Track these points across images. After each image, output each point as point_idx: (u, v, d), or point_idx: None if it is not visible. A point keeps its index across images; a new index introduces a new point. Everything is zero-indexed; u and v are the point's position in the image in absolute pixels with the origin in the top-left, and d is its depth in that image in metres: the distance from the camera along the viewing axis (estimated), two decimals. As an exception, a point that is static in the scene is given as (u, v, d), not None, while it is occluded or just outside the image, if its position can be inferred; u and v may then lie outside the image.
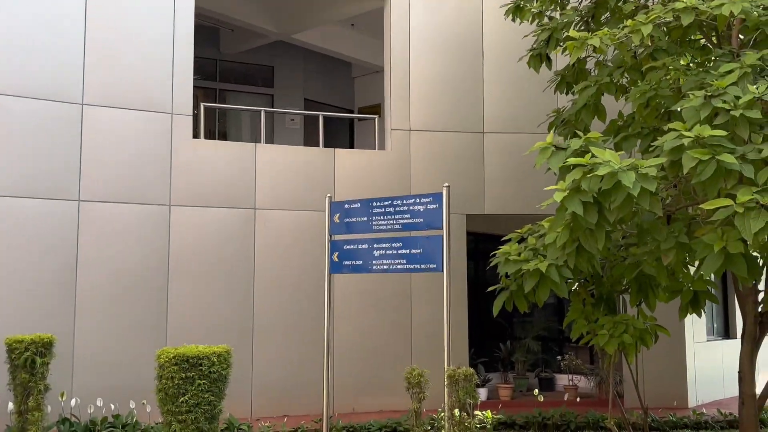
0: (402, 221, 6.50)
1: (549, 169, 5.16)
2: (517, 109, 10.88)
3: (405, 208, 6.47)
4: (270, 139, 13.39)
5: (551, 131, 5.36)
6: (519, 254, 6.14)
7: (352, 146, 14.40)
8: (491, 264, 6.46)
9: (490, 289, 6.52)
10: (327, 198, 6.96)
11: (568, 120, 7.63)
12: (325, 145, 10.55)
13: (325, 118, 10.99)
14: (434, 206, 6.28)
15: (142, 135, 9.22)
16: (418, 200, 6.39)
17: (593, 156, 4.68)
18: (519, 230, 6.74)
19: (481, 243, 12.65)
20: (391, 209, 6.56)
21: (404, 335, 10.19)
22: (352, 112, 14.52)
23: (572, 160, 4.72)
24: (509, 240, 6.60)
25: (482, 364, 11.95)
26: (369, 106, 14.34)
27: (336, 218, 6.94)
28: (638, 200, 4.48)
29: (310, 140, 13.13)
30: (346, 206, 6.92)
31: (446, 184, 6.21)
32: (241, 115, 14.19)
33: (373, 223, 6.68)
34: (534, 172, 9.94)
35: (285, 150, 10.18)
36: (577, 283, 6.73)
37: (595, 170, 4.54)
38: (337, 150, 10.25)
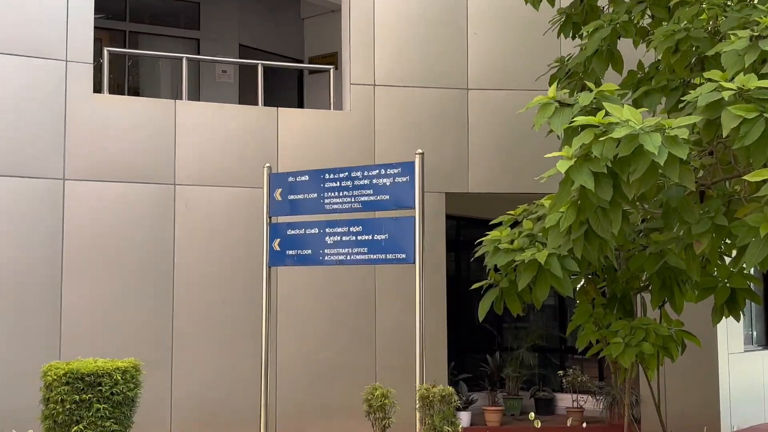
0: (363, 199, 6.51)
1: (551, 131, 5.15)
2: (510, 60, 10.93)
3: (367, 181, 6.46)
4: (195, 96, 13.29)
5: (553, 85, 5.25)
6: (511, 242, 6.15)
7: (301, 105, 14.28)
8: (476, 254, 6.48)
9: (475, 286, 6.53)
10: (265, 168, 6.93)
11: (575, 71, 7.68)
12: (267, 104, 10.54)
13: (266, 68, 10.97)
14: (404, 179, 6.26)
15: (26, 89, 9.10)
16: (383, 172, 6.41)
17: (607, 114, 4.63)
18: (512, 212, 6.75)
19: (465, 229, 12.69)
20: (349, 183, 6.55)
21: (366, 345, 10.26)
22: (301, 62, 14.42)
23: (581, 120, 4.67)
24: (499, 224, 6.60)
25: (464, 382, 12.03)
26: (323, 55, 14.17)
27: (277, 195, 6.92)
28: (664, 171, 4.45)
29: (247, 98, 12.95)
30: (291, 179, 6.90)
31: (419, 151, 6.19)
32: (159, 65, 14.03)
33: (326, 201, 6.69)
34: (532, 138, 9.78)
35: (214, 109, 10.15)
36: (584, 279, 6.75)
37: (610, 132, 4.50)
38: (282, 109, 10.25)
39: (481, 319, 6.31)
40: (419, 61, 10.75)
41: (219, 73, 13.91)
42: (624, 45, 7.57)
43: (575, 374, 12.02)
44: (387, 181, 6.37)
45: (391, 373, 9.80)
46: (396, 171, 6.32)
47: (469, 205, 11.57)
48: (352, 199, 6.58)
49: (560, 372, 12.50)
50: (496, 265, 6.18)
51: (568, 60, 8.01)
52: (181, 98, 10.20)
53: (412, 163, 6.25)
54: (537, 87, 9.88)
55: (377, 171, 6.46)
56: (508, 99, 10.74)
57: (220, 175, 9.83)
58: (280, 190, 6.96)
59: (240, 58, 13.75)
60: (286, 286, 9.94)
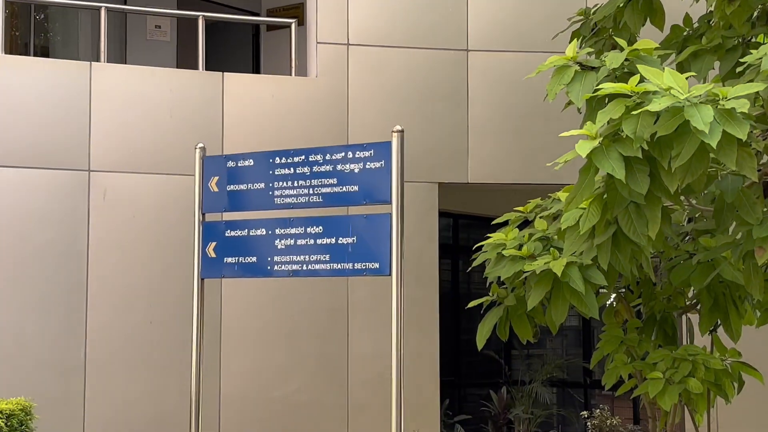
0: (324, 190, 6.42)
1: (569, 103, 5.13)
2: (521, 13, 10.96)
3: (329, 167, 6.37)
4: (120, 58, 13.29)
5: (573, 42, 5.22)
6: (520, 246, 6.11)
7: (257, 72, 14.30)
8: (475, 262, 6.46)
9: (472, 304, 6.50)
10: (197, 149, 6.82)
11: (603, 27, 7.61)
12: (212, 68, 10.54)
13: (212, 24, 11.11)
14: (378, 164, 6.17)
15: None
16: (351, 155, 6.31)
17: (643, 80, 4.53)
18: (520, 208, 6.72)
19: (464, 229, 12.88)
20: (306, 169, 6.45)
21: (336, 378, 10.26)
22: (256, 15, 14.51)
23: (608, 87, 4.57)
24: (505, 224, 6.57)
25: (462, 425, 12.15)
26: (284, 7, 14.29)
27: (212, 184, 6.81)
28: (717, 155, 4.36)
29: (187, 62, 12.93)
30: (230, 164, 6.78)
31: (398, 128, 6.06)
32: (77, 21, 13.87)
33: (276, 192, 6.60)
34: (549, 114, 9.93)
35: (141, 73, 10.14)
36: (614, 295, 6.73)
37: (647, 104, 4.39)
38: (228, 75, 10.26)
39: (480, 346, 6.27)
40: (406, 14, 10.76)
41: (152, 30, 13.89)
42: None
43: (603, 416, 11.95)
44: (356, 167, 6.28)
45: (368, 415, 9.81)
46: (368, 154, 6.21)
47: (469, 199, 11.70)
48: (311, 191, 6.48)
49: (584, 413, 12.46)
50: (500, 277, 6.16)
51: (594, 12, 7.91)
52: (98, 59, 10.14)
53: (388, 144, 6.11)
54: (554, 48, 9.84)
55: (343, 154, 6.33)
56: (518, 63, 10.70)
57: (147, 158, 9.81)
58: (216, 178, 6.82)
59: (178, 9, 13.75)
60: (233, 301, 9.93)
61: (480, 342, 6.26)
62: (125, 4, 13.65)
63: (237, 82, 10.25)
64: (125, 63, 12.59)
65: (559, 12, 9.95)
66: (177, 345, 9.43)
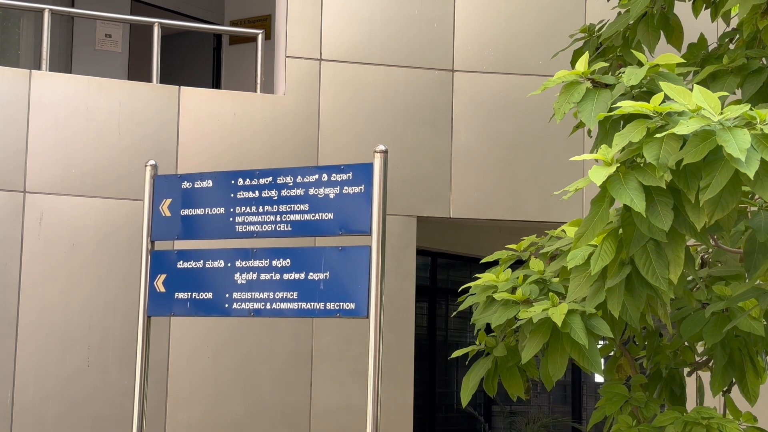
0: (293, 217, 6.26)
1: (579, 125, 4.99)
2: (513, 30, 10.99)
3: (300, 191, 6.23)
4: (65, 69, 13.32)
5: (584, 56, 5.06)
6: (513, 290, 5.94)
7: (217, 84, 14.51)
8: (460, 307, 6.31)
9: (456, 353, 6.34)
10: (147, 167, 6.65)
11: (610, 45, 7.52)
12: (168, 81, 10.55)
13: (169, 36, 11.18)
14: (356, 189, 6.04)
15: None
16: (326, 177, 6.19)
17: (667, 99, 4.37)
18: (513, 246, 6.58)
19: (444, 269, 12.77)
20: (274, 193, 6.30)
21: None
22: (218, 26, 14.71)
23: (627, 106, 4.39)
24: (495, 264, 6.45)
25: None
26: (250, 19, 14.41)
27: (164, 208, 6.62)
28: (754, 187, 4.18)
29: (140, 75, 12.95)
30: (186, 184, 6.61)
31: (381, 148, 5.98)
32: (19, 26, 13.80)
33: (238, 219, 6.44)
34: (545, 141, 10.26)
35: (87, 84, 10.08)
36: (615, 347, 6.59)
37: (672, 126, 4.21)
38: (185, 89, 10.26)
39: (465, 402, 6.11)
40: (385, 28, 10.80)
41: (101, 39, 13.92)
42: (684, 9, 7.44)
43: (597, 486, 11.90)
44: (331, 192, 6.14)
45: (333, 476, 9.83)
46: (345, 177, 6.09)
47: (451, 236, 11.74)
48: (278, 218, 6.32)
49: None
50: (488, 324, 5.94)
51: (599, 29, 7.81)
52: (39, 68, 10.12)
53: (370, 166, 5.99)
54: (548, 70, 9.94)
55: (317, 176, 6.20)
56: (508, 86, 10.77)
57: (91, 180, 9.77)
58: (168, 200, 6.64)
59: (132, 15, 13.78)
60: (182, 343, 9.87)
61: (465, 398, 6.09)
62: (73, 7, 13.72)
63: (195, 97, 10.27)
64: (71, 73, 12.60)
65: (554, 31, 10.17)
66: (118, 392, 9.46)
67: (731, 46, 7.01)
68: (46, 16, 10.21)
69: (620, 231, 4.54)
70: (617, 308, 4.77)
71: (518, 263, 6.48)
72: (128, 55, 14.02)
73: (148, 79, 10.55)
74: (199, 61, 15.16)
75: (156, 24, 10.56)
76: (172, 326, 9.67)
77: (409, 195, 10.48)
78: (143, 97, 10.09)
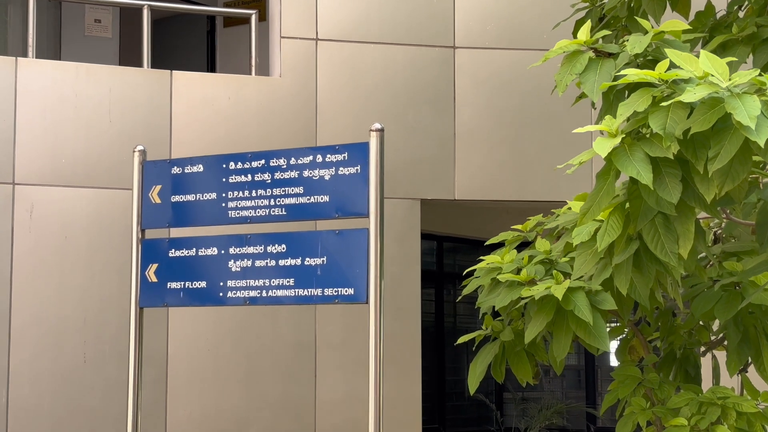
0: (288, 201, 6.21)
1: (581, 96, 4.95)
2: (515, 5, 11.04)
3: (294, 174, 6.17)
4: (54, 56, 13.27)
5: (585, 25, 5.07)
6: (518, 270, 5.92)
7: (212, 69, 14.51)
8: (464, 291, 6.30)
9: (462, 339, 6.34)
10: (136, 153, 6.67)
11: (615, 16, 7.43)
12: (161, 67, 10.54)
13: (160, 18, 11.24)
14: (353, 170, 5.98)
15: None
16: (320, 158, 6.13)
17: (673, 66, 4.33)
18: (518, 226, 6.59)
19: (451, 253, 12.82)
20: (267, 176, 6.25)
21: (302, 426, 10.21)
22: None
23: (632, 74, 4.36)
24: (500, 245, 6.45)
25: None
26: (244, 0, 14.41)
27: (153, 195, 6.62)
28: (765, 156, 4.18)
29: (131, 61, 12.98)
30: (176, 170, 6.58)
31: (377, 126, 5.92)
32: (5, 15, 13.66)
33: (231, 204, 6.40)
34: (551, 118, 10.18)
35: (75, 70, 10.08)
36: (627, 328, 6.55)
37: (678, 94, 4.18)
38: (177, 73, 10.26)
39: (472, 389, 6.08)
40: (383, 5, 10.79)
41: (90, 24, 13.89)
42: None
43: (611, 470, 11.93)
44: (326, 173, 6.09)
45: (339, 469, 9.87)
46: (341, 157, 6.03)
47: (457, 218, 11.76)
48: (272, 202, 6.28)
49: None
50: (494, 307, 5.96)
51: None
52: (26, 55, 10.13)
53: (366, 145, 5.93)
54: (553, 44, 9.98)
55: (311, 157, 6.14)
56: (512, 62, 10.77)
57: (82, 169, 9.75)
58: (158, 187, 6.62)
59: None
60: (181, 335, 9.88)
61: (472, 385, 6.06)
62: None
63: (187, 81, 10.24)
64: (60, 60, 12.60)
65: (559, 3, 9.97)
66: (115, 387, 9.38)
67: (740, 14, 6.98)
68: (32, 3, 10.20)
69: (627, 205, 4.52)
70: (625, 285, 4.75)
71: (526, 244, 6.45)
72: (119, 41, 13.98)
73: (140, 65, 10.58)
74: (192, 45, 15.18)
75: (146, 6, 10.55)
76: (170, 318, 9.68)
77: (412, 177, 10.52)
78: (134, 83, 10.09)
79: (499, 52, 10.87)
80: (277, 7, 10.57)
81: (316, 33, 10.52)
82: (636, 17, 6.99)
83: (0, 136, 9.54)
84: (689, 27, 4.96)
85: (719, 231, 6.35)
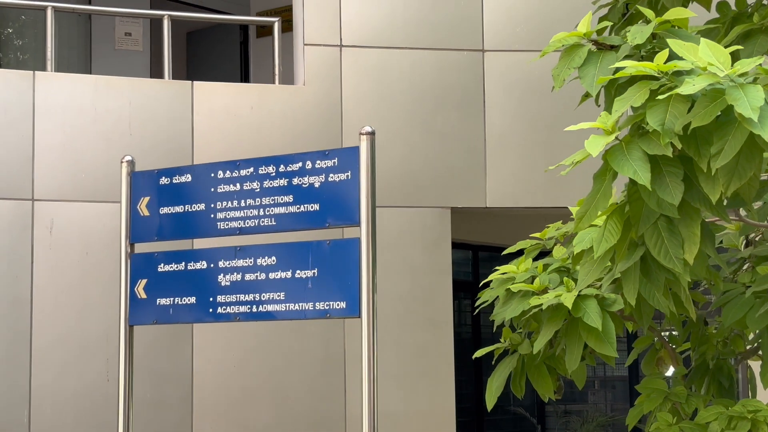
0: (278, 210, 6.16)
1: (586, 96, 5.05)
2: (545, 6, 11.02)
3: (284, 181, 6.11)
4: (85, 70, 13.56)
5: (586, 17, 5.29)
6: (532, 279, 5.94)
7: (245, 79, 14.81)
8: (479, 301, 6.36)
9: (479, 353, 6.40)
10: (123, 164, 6.67)
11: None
12: (195, 78, 10.71)
13: (192, 28, 11.37)
14: (343, 176, 5.90)
15: None
16: (310, 164, 6.06)
17: (673, 56, 4.24)
18: (537, 234, 6.62)
19: (485, 263, 12.93)
20: (256, 185, 6.20)
21: None
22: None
23: (629, 66, 4.29)
24: (519, 254, 6.44)
25: None
26: (276, 9, 14.67)
27: (142, 207, 6.58)
28: None
29: (162, 72, 13.16)
30: (164, 180, 6.57)
31: (367, 129, 5.79)
32: (30, 24, 13.85)
33: (219, 215, 6.39)
34: (583, 119, 9.79)
35: (94, 83, 10.19)
36: (655, 338, 6.50)
37: (677, 86, 4.07)
38: (198, 84, 10.35)
39: (490, 405, 6.11)
40: (409, 9, 10.79)
41: (120, 38, 14.15)
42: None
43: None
44: (316, 180, 6.00)
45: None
46: (330, 163, 5.93)
47: (492, 227, 11.86)
48: (261, 212, 6.21)
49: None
50: (510, 319, 5.99)
51: None
52: (44, 68, 10.20)
53: (356, 150, 5.82)
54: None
55: (300, 164, 6.06)
56: (543, 65, 10.47)
57: (102, 184, 9.76)
58: (146, 198, 6.59)
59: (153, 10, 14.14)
60: (206, 352, 9.91)
61: (490, 401, 6.10)
62: (90, 2, 14.02)
63: (209, 92, 10.29)
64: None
65: (588, 2, 9.85)
66: (141, 406, 9.28)
67: (765, 2, 6.87)
68: (49, 12, 10.28)
69: (627, 207, 4.43)
70: (633, 294, 4.68)
71: (548, 253, 6.46)
72: (149, 54, 14.23)
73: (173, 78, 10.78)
74: (226, 56, 15.43)
75: (166, 17, 10.67)
76: (195, 334, 9.73)
77: (441, 185, 10.49)
78: (154, 94, 10.12)
79: (529, 55, 10.68)
80: (300, 13, 10.65)
81: (340, 39, 10.58)
82: (638, 6, 7.01)
83: (18, 152, 9.62)
84: (694, 14, 4.84)
85: (753, 235, 6.25)
